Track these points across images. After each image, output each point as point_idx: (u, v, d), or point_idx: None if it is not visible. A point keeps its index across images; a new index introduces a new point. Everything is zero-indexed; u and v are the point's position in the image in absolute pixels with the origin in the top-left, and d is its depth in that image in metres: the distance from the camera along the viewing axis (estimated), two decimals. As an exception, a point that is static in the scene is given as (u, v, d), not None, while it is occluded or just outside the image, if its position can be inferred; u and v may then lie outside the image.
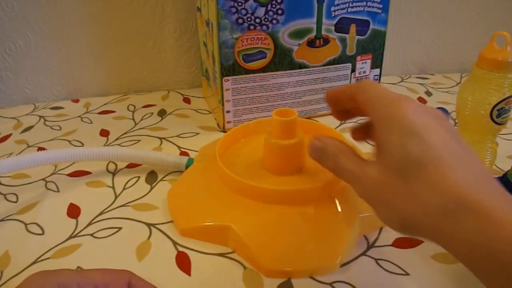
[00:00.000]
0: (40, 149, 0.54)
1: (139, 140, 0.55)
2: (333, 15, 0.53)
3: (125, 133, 0.57)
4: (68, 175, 0.48)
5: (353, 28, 0.55)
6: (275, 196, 0.37)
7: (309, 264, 0.34)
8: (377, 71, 0.59)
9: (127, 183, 0.46)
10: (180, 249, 0.37)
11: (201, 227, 0.38)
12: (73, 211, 0.42)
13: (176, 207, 0.41)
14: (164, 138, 0.55)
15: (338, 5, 0.53)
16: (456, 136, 0.27)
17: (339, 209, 0.37)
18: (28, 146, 0.55)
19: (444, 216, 0.24)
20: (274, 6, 0.50)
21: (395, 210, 0.26)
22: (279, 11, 0.50)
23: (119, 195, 0.44)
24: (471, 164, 0.25)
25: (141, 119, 0.61)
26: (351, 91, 0.31)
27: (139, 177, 0.47)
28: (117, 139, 0.56)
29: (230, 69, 0.52)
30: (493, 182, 0.25)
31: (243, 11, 0.49)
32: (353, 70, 0.58)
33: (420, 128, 0.26)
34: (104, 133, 0.57)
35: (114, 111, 0.64)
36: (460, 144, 0.26)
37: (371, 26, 0.56)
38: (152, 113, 0.63)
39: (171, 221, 0.40)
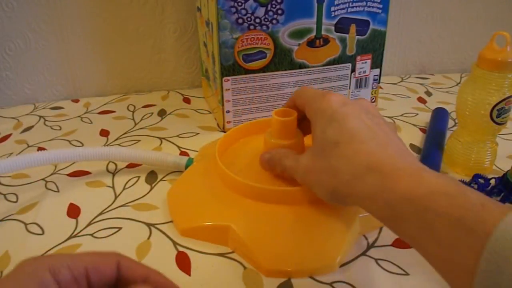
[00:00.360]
0: (40, 149, 0.54)
1: (139, 140, 0.55)
2: (333, 15, 0.53)
3: (125, 133, 0.57)
4: (68, 175, 0.48)
5: (353, 28, 0.55)
6: (275, 195, 0.37)
7: (309, 264, 0.34)
8: (377, 71, 0.59)
9: (127, 183, 0.46)
10: (180, 249, 0.37)
11: (201, 227, 0.38)
12: (73, 211, 0.42)
13: (176, 207, 0.41)
14: (164, 138, 0.55)
15: (338, 5, 0.53)
16: (378, 122, 0.32)
17: (339, 209, 0.37)
18: (28, 146, 0.55)
19: (356, 179, 0.29)
20: (274, 6, 0.50)
21: (323, 186, 0.32)
22: (279, 11, 0.50)
23: (119, 195, 0.44)
24: (388, 142, 0.30)
25: (141, 119, 0.61)
26: (292, 101, 0.39)
27: (139, 177, 0.47)
28: (117, 139, 0.56)
29: (230, 69, 0.52)
30: (407, 155, 0.30)
31: (243, 11, 0.49)
32: (353, 70, 0.58)
33: (339, 115, 0.31)
34: (104, 133, 0.57)
35: (114, 111, 0.64)
36: (380, 128, 0.31)
37: (371, 26, 0.56)
38: (152, 113, 0.63)
39: (171, 221, 0.40)
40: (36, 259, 0.22)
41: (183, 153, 0.52)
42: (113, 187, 0.46)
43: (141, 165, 0.49)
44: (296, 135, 0.40)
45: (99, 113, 0.64)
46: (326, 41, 0.54)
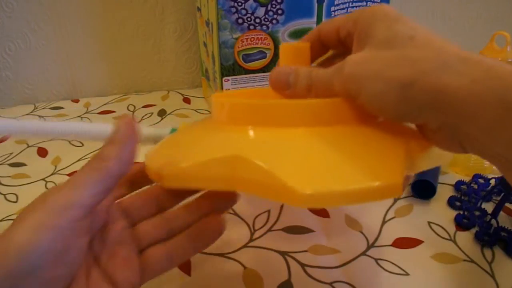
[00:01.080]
0: (40, 149, 0.54)
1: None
2: (333, 15, 0.53)
3: (125, 133, 0.57)
4: (68, 175, 0.48)
5: (353, 28, 0.55)
6: (301, 113, 0.26)
7: (364, 182, 0.23)
8: (377, 71, 0.59)
9: (127, 183, 0.46)
10: (180, 249, 0.37)
11: (195, 166, 0.25)
12: (73, 211, 0.42)
13: (157, 155, 0.29)
14: (164, 138, 0.55)
15: (338, 5, 0.53)
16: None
17: (387, 131, 0.27)
18: (28, 146, 0.55)
19: (446, 67, 0.22)
20: (274, 6, 0.50)
21: (390, 79, 0.23)
22: (279, 11, 0.50)
23: (119, 195, 0.44)
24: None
25: (141, 119, 0.61)
26: (314, 35, 0.32)
27: (139, 177, 0.47)
28: (117, 139, 0.56)
29: (230, 69, 0.52)
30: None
31: (243, 11, 0.49)
32: (353, 70, 0.58)
33: (405, 17, 0.26)
34: (104, 133, 0.57)
35: (114, 111, 0.64)
36: None
37: (371, 26, 0.56)
38: (152, 113, 0.63)
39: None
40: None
41: (183, 153, 0.52)
42: (113, 187, 0.46)
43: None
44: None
45: (99, 113, 0.64)
46: (326, 41, 0.54)
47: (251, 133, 0.26)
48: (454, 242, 0.37)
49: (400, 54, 0.23)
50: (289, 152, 0.25)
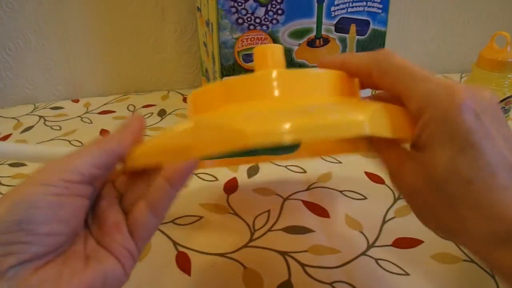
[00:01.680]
0: (40, 149, 0.54)
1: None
2: (333, 15, 0.53)
3: (125, 133, 0.57)
4: (68, 175, 0.48)
5: (353, 28, 0.55)
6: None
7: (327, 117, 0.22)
8: (377, 71, 0.59)
9: (127, 183, 0.46)
10: (180, 249, 0.37)
11: (158, 143, 0.26)
12: (73, 211, 0.42)
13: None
14: (164, 138, 0.55)
15: (338, 5, 0.53)
16: (509, 141, 0.23)
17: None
18: (28, 146, 0.55)
19: (496, 244, 0.21)
20: (274, 6, 0.50)
21: (437, 220, 0.24)
22: (279, 11, 0.50)
23: (119, 195, 0.44)
24: None
25: (141, 119, 0.61)
26: (367, 68, 0.26)
27: (139, 177, 0.47)
28: (117, 139, 0.56)
29: (230, 69, 0.52)
30: None
31: (243, 11, 0.49)
32: (353, 70, 0.58)
33: (476, 137, 0.22)
34: (104, 133, 0.57)
35: (114, 111, 0.64)
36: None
37: (371, 26, 0.56)
38: (152, 113, 0.63)
39: (171, 221, 0.40)
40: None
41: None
42: (113, 187, 0.46)
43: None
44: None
45: (99, 113, 0.64)
46: (326, 41, 0.54)
47: (209, 113, 0.27)
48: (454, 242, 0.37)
49: (453, 208, 0.22)
50: (245, 110, 0.25)
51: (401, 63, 0.25)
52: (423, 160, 0.23)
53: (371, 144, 0.27)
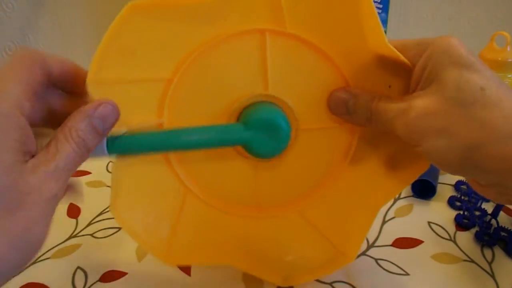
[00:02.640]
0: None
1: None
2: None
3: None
4: (68, 175, 0.48)
5: (353, 28, 0.55)
6: None
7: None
8: (377, 71, 0.59)
9: (127, 183, 0.46)
10: (180, 249, 0.37)
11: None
12: (73, 211, 0.42)
13: None
14: (164, 138, 0.55)
15: (338, 5, 0.53)
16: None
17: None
18: (28, 146, 0.55)
19: None
20: (274, 6, 0.50)
21: (456, 138, 0.23)
22: (279, 11, 0.50)
23: (119, 195, 0.44)
24: None
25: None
26: None
27: (139, 177, 0.47)
28: (117, 139, 0.56)
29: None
30: None
31: (243, 11, 0.49)
32: (353, 70, 0.58)
33: (477, 62, 0.24)
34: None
35: (114, 111, 0.64)
36: None
37: (371, 26, 0.56)
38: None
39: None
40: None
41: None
42: (113, 187, 0.46)
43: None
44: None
45: (99, 113, 0.64)
46: (326, 41, 0.54)
47: None
48: (454, 242, 0.37)
49: (469, 113, 0.23)
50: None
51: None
52: (433, 88, 0.24)
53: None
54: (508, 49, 0.41)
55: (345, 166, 0.30)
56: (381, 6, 0.55)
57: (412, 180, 0.30)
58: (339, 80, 0.28)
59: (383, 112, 0.26)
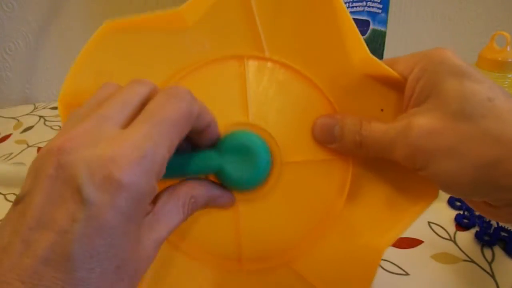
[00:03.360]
0: (40, 149, 0.54)
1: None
2: (333, 15, 0.53)
3: (125, 133, 0.57)
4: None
5: (353, 28, 0.55)
6: None
7: None
8: (377, 71, 0.59)
9: (127, 183, 0.46)
10: (180, 249, 0.37)
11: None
12: (73, 211, 0.42)
13: None
14: (164, 138, 0.55)
15: (338, 5, 0.53)
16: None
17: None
18: (28, 146, 0.55)
19: None
20: (274, 6, 0.50)
21: (468, 156, 0.21)
22: (279, 11, 0.50)
23: (119, 195, 0.44)
24: None
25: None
26: None
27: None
28: (117, 139, 0.56)
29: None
30: None
31: (243, 11, 0.49)
32: (353, 70, 0.58)
33: (479, 74, 0.22)
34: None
35: (114, 111, 0.64)
36: None
37: (371, 26, 0.56)
38: (152, 113, 0.63)
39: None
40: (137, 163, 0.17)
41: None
42: (113, 187, 0.46)
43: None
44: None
45: (99, 113, 0.64)
46: (326, 41, 0.54)
47: None
48: (454, 242, 0.37)
49: (479, 127, 0.20)
50: None
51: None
52: (433, 102, 0.22)
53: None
54: (508, 49, 0.41)
55: (341, 204, 0.26)
56: (381, 6, 0.55)
57: (422, 212, 0.26)
58: (325, 106, 0.26)
59: (376, 134, 0.23)
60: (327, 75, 0.26)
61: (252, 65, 0.26)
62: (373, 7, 0.55)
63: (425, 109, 0.22)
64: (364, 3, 0.54)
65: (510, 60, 0.41)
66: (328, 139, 0.25)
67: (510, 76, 0.42)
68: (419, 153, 0.22)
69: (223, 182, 0.25)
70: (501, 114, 0.20)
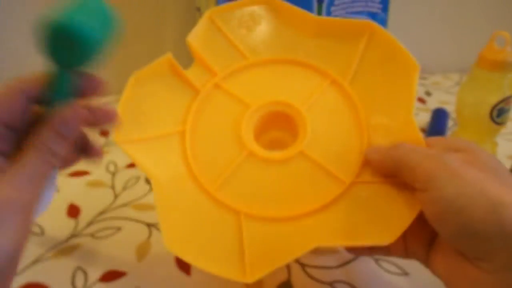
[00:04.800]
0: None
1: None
2: (333, 15, 0.53)
3: (125, 133, 0.57)
4: (69, 174, 0.48)
5: (353, 28, 0.55)
6: None
7: None
8: (377, 71, 0.59)
9: (127, 183, 0.46)
10: (180, 249, 0.37)
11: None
12: (73, 211, 0.42)
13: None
14: (164, 138, 0.55)
15: (338, 5, 0.53)
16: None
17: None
18: (28, 146, 0.55)
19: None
20: (274, 6, 0.50)
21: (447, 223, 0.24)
22: (279, 11, 0.50)
23: (119, 195, 0.44)
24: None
25: (141, 119, 0.61)
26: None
27: (139, 177, 0.47)
28: (117, 139, 0.56)
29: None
30: None
31: (243, 11, 0.49)
32: (353, 70, 0.58)
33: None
34: (104, 133, 0.57)
35: (114, 111, 0.64)
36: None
37: (371, 26, 0.56)
38: (152, 113, 0.63)
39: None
40: None
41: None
42: (113, 187, 0.46)
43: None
44: None
45: (99, 113, 0.64)
46: (326, 41, 0.54)
47: None
48: (454, 242, 0.37)
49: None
50: None
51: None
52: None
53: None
54: (508, 49, 0.41)
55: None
56: (381, 6, 0.55)
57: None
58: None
59: (420, 170, 0.25)
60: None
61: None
62: (373, 7, 0.55)
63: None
64: (364, 3, 0.54)
65: (510, 60, 0.41)
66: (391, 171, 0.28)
67: (510, 76, 0.42)
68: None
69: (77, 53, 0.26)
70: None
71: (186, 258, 0.28)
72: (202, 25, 0.36)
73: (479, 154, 0.26)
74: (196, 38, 0.36)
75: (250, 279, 0.27)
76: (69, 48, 0.24)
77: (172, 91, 0.34)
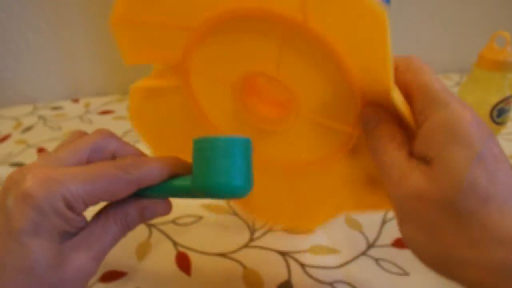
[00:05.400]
0: (40, 149, 0.54)
1: (139, 140, 0.55)
2: (333, 15, 0.53)
3: (125, 133, 0.57)
4: (68, 175, 0.48)
5: (353, 28, 0.55)
6: None
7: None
8: (377, 71, 0.59)
9: (127, 183, 0.46)
10: (180, 249, 0.37)
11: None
12: (73, 211, 0.42)
13: None
14: (164, 138, 0.55)
15: (338, 5, 0.52)
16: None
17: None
18: (28, 146, 0.55)
19: (506, 275, 0.19)
20: (274, 6, 0.50)
21: (438, 242, 0.21)
22: (279, 11, 0.50)
23: (119, 195, 0.44)
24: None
25: (141, 119, 0.61)
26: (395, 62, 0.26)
27: (139, 177, 0.47)
28: (117, 139, 0.56)
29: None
30: None
31: (243, 11, 0.49)
32: (353, 70, 0.58)
33: (488, 154, 0.21)
34: (104, 133, 0.57)
35: (114, 111, 0.64)
36: None
37: (371, 26, 0.56)
38: (152, 113, 0.63)
39: (171, 221, 0.40)
40: (47, 184, 0.21)
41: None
42: (113, 187, 0.46)
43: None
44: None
45: (99, 113, 0.64)
46: (326, 41, 0.54)
47: None
48: (454, 242, 0.37)
49: (464, 226, 0.20)
50: None
51: (427, 77, 0.26)
52: (433, 172, 0.21)
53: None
54: (508, 49, 0.41)
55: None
56: (381, 6, 0.55)
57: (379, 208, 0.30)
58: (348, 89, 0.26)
59: (382, 160, 0.23)
60: (362, 66, 0.26)
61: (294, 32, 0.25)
62: (373, 7, 0.55)
63: (427, 174, 0.21)
64: (364, 3, 0.54)
65: (510, 60, 0.41)
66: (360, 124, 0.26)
67: (510, 76, 0.42)
68: (398, 207, 0.22)
69: (212, 196, 0.26)
70: (491, 227, 0.19)
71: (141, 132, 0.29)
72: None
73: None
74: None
75: None
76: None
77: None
